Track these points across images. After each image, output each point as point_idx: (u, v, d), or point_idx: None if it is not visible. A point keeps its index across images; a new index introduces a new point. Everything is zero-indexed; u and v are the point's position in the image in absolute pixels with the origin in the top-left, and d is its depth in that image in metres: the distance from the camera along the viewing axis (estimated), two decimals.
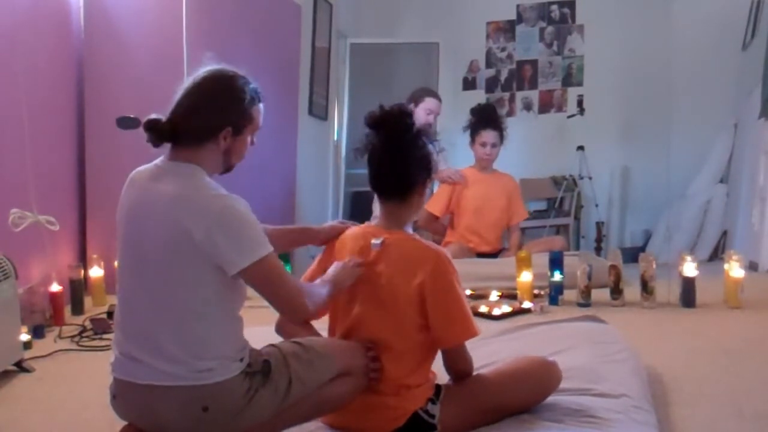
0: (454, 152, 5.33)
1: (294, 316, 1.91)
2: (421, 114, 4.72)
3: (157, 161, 1.80)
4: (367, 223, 2.03)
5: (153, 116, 1.77)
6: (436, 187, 4.69)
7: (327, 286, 1.88)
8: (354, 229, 2.04)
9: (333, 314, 2.03)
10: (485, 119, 4.50)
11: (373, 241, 1.93)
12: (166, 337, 1.68)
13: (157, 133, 1.76)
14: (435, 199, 4.59)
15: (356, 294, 1.92)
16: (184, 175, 1.74)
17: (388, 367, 1.88)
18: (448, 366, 1.97)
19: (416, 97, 4.74)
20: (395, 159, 1.94)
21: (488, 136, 4.48)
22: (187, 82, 1.81)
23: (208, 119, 1.77)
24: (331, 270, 1.93)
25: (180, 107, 1.78)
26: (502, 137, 4.51)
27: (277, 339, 1.94)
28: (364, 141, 1.98)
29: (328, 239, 2.06)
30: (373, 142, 1.96)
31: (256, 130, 1.86)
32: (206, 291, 1.70)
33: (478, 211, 4.51)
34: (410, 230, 2.01)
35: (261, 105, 1.86)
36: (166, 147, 1.80)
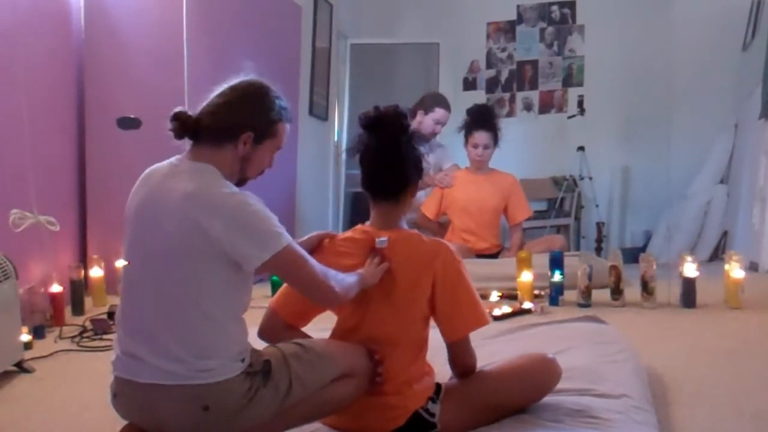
0: (453, 153, 5.32)
1: (323, 301, 1.88)
2: (429, 123, 4.74)
3: (173, 159, 1.81)
4: (360, 225, 2.03)
5: (181, 108, 1.80)
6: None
7: (355, 276, 1.88)
8: (347, 233, 2.03)
9: (340, 313, 2.02)
10: (478, 120, 4.49)
11: (378, 239, 1.93)
12: (169, 335, 1.68)
13: (182, 124, 1.78)
14: (428, 201, 4.63)
15: (365, 292, 1.91)
16: (199, 173, 1.74)
17: (390, 365, 1.88)
18: (453, 361, 1.97)
19: (427, 105, 4.76)
20: (392, 159, 1.95)
21: (480, 137, 4.46)
22: (223, 85, 1.84)
23: (233, 118, 1.79)
24: (360, 269, 1.92)
25: (209, 105, 1.81)
26: (496, 139, 4.49)
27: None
28: (356, 141, 1.98)
29: (311, 249, 2.01)
30: (367, 142, 1.96)
31: (277, 148, 1.88)
32: (214, 290, 1.70)
33: (467, 211, 4.52)
34: (406, 227, 2.01)
35: (287, 125, 1.88)
36: (173, 148, 1.81)
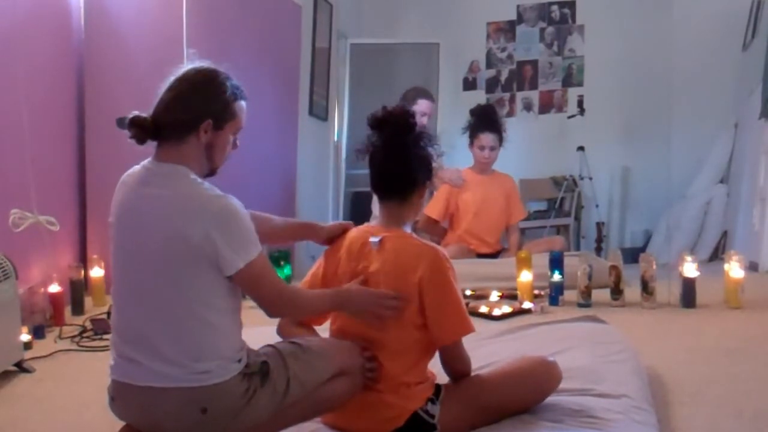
0: (453, 154, 5.31)
1: (279, 314, 1.91)
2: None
3: (145, 162, 1.80)
4: (366, 224, 2.03)
5: (135, 113, 1.77)
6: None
7: (328, 298, 1.89)
8: (353, 231, 2.04)
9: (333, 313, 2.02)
10: (484, 121, 4.46)
11: (372, 239, 1.93)
12: (163, 339, 1.68)
13: (140, 129, 1.76)
14: (434, 203, 4.56)
15: None
16: (172, 176, 1.74)
17: (385, 365, 1.88)
18: (446, 365, 1.97)
19: (408, 99, 4.71)
20: (398, 159, 1.95)
21: (487, 139, 4.44)
22: (170, 79, 1.81)
23: (188, 110, 1.77)
24: (353, 286, 1.91)
25: (161, 102, 1.79)
26: (501, 140, 4.47)
27: (276, 339, 1.94)
28: (365, 141, 1.98)
29: (332, 237, 2.04)
30: (375, 142, 1.96)
31: (238, 128, 1.85)
32: (204, 293, 1.70)
33: (477, 213, 4.49)
34: (408, 230, 2.01)
35: (243, 102, 1.85)
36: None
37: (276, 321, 2.01)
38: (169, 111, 1.77)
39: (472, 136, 4.48)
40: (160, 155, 1.78)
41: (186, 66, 1.83)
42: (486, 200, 4.50)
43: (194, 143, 1.77)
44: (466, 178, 4.55)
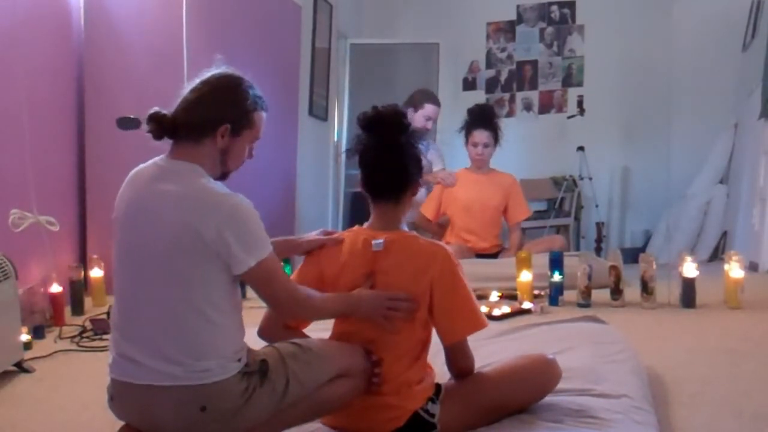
0: (452, 153, 5.33)
1: (289, 315, 1.92)
2: (419, 120, 4.74)
3: (157, 159, 1.81)
4: (358, 227, 2.02)
5: (156, 109, 1.80)
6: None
7: (339, 301, 1.88)
8: (344, 233, 2.02)
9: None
10: (478, 119, 4.50)
11: (375, 241, 1.92)
12: (164, 337, 1.68)
13: (159, 124, 1.78)
14: (428, 202, 4.62)
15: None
16: (185, 174, 1.74)
17: (388, 366, 1.88)
18: (451, 363, 1.96)
19: (416, 103, 4.76)
20: (392, 159, 1.94)
21: (480, 136, 4.47)
22: (195, 81, 1.84)
23: (208, 112, 1.79)
24: (363, 290, 1.90)
25: (183, 101, 1.81)
26: (496, 138, 4.50)
27: (261, 343, 1.93)
28: (354, 142, 1.97)
29: (310, 249, 2.02)
30: (367, 143, 1.95)
31: (255, 138, 1.87)
32: (209, 291, 1.70)
33: (469, 210, 4.52)
34: (406, 229, 2.01)
35: (263, 114, 1.87)
36: (167, 146, 1.81)
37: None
38: (189, 111, 1.79)
39: (467, 134, 4.52)
40: (175, 153, 1.79)
41: (212, 70, 1.86)
42: (478, 197, 4.52)
43: (210, 146, 1.79)
44: (462, 177, 4.58)
